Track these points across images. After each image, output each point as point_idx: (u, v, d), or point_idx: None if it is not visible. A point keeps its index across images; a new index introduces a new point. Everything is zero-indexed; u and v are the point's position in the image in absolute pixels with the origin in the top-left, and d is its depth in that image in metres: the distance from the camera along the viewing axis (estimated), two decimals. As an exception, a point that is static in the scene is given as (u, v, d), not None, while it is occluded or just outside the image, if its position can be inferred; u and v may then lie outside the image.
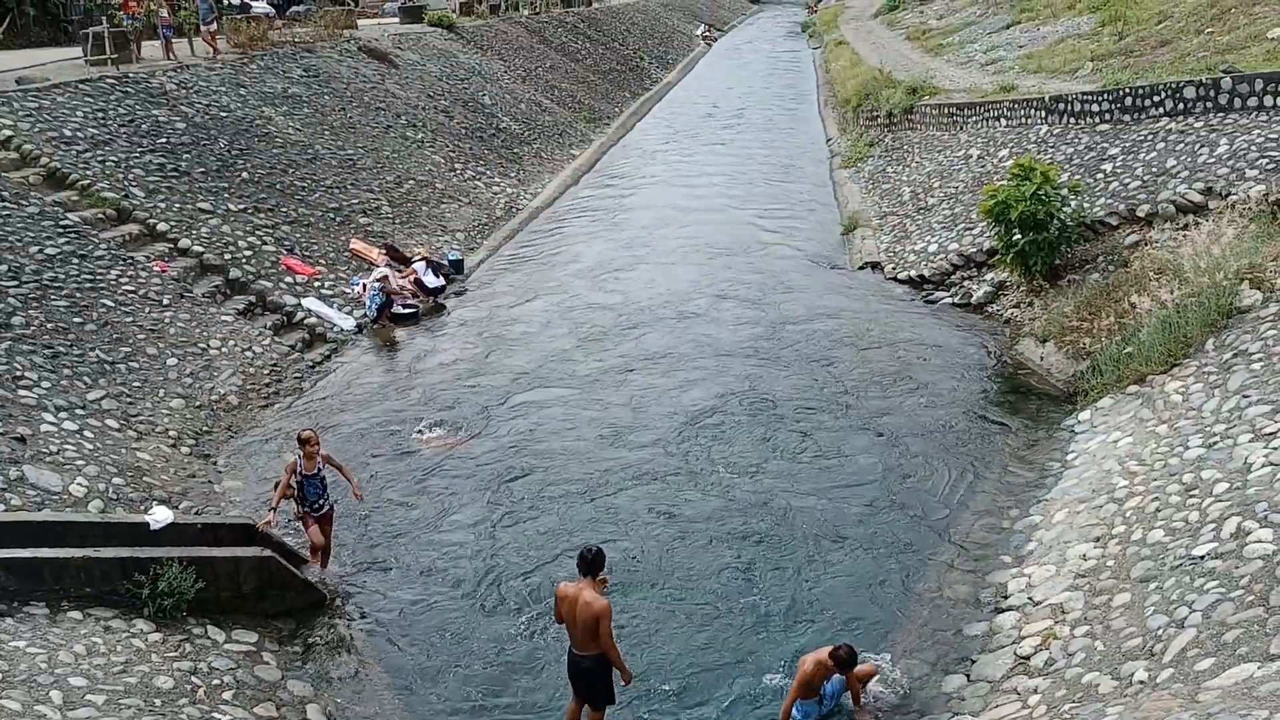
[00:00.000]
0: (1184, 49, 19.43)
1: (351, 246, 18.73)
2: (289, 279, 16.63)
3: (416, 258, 18.34)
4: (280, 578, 8.81)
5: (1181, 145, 15.11)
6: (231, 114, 20.28)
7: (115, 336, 12.80)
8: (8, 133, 15.63)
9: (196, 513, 10.17)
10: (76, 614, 7.89)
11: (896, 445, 12.00)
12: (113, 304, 13.33)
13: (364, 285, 17.21)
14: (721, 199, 25.33)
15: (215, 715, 7.26)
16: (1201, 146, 14.70)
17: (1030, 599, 8.41)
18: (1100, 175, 15.96)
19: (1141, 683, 6.44)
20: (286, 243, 17.53)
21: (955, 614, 8.74)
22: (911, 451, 11.81)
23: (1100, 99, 17.63)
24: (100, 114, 17.61)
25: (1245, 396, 9.48)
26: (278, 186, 18.92)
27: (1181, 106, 15.81)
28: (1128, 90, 17.00)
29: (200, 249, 15.67)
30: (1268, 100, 14.46)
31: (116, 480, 10.24)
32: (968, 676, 7.84)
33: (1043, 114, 19.24)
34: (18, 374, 11.09)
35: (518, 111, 31.58)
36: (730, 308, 17.20)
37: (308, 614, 8.97)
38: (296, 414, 13.14)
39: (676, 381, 14.11)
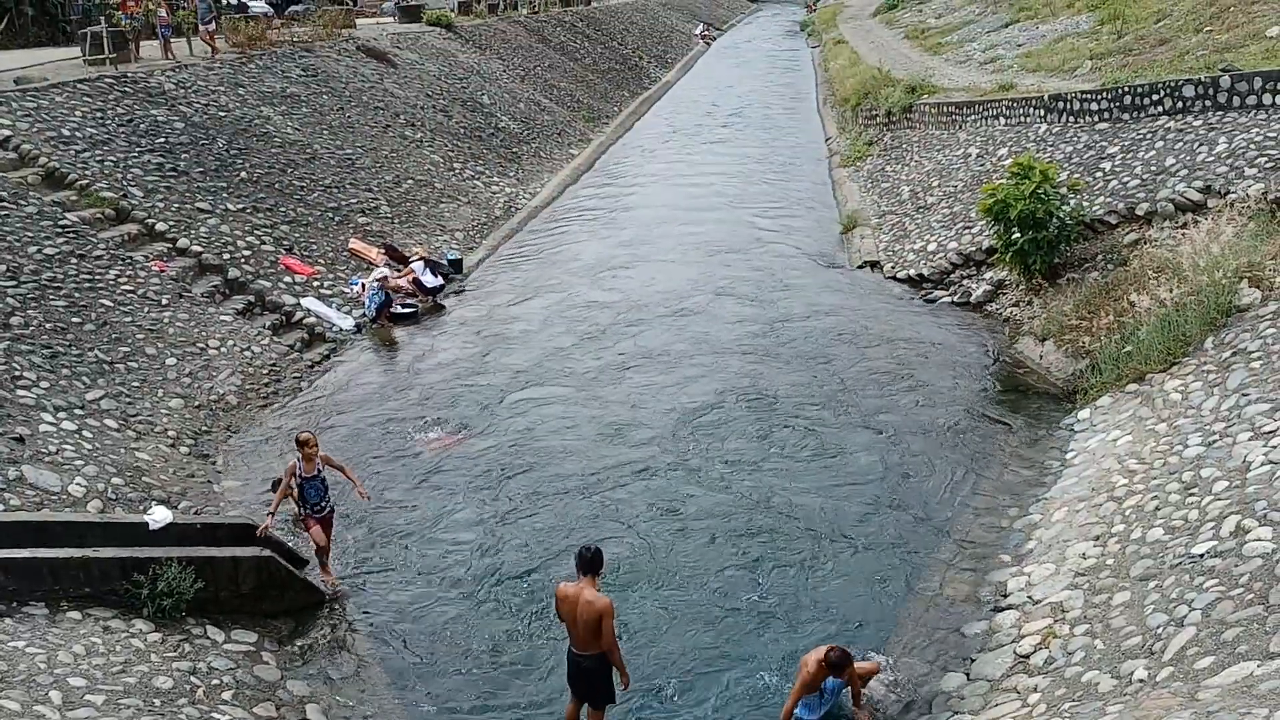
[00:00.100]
0: (1183, 47, 19.42)
1: (350, 246, 18.73)
2: (288, 279, 16.62)
3: (415, 257, 18.33)
4: (279, 578, 8.81)
5: (1180, 144, 15.11)
6: (230, 114, 20.27)
7: (114, 336, 12.79)
8: (6, 132, 15.62)
9: (195, 513, 10.17)
10: (76, 614, 7.89)
11: (895, 444, 12.00)
12: (111, 304, 13.32)
13: (363, 285, 17.20)
14: (720, 198, 25.32)
15: (214, 715, 7.25)
16: (1200, 145, 14.70)
17: (1030, 597, 8.41)
18: (1099, 174, 15.96)
19: (1141, 681, 6.44)
20: (285, 242, 17.53)
21: (955, 612, 8.74)
22: (911, 450, 11.81)
23: (1099, 97, 17.62)
24: (99, 114, 17.60)
25: (1244, 395, 9.48)
26: (276, 186, 18.91)
27: (1180, 105, 15.81)
28: (1127, 89, 17.00)
29: (199, 249, 15.66)
30: (1266, 98, 14.46)
31: (115, 480, 10.24)
32: (967, 675, 7.84)
33: (1042, 113, 19.24)
34: (16, 374, 11.08)
35: (516, 111, 31.57)
36: (729, 306, 17.20)
37: (307, 614, 8.97)
38: (295, 414, 13.14)
39: (675, 379, 14.11)
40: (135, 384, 12.27)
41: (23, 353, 11.47)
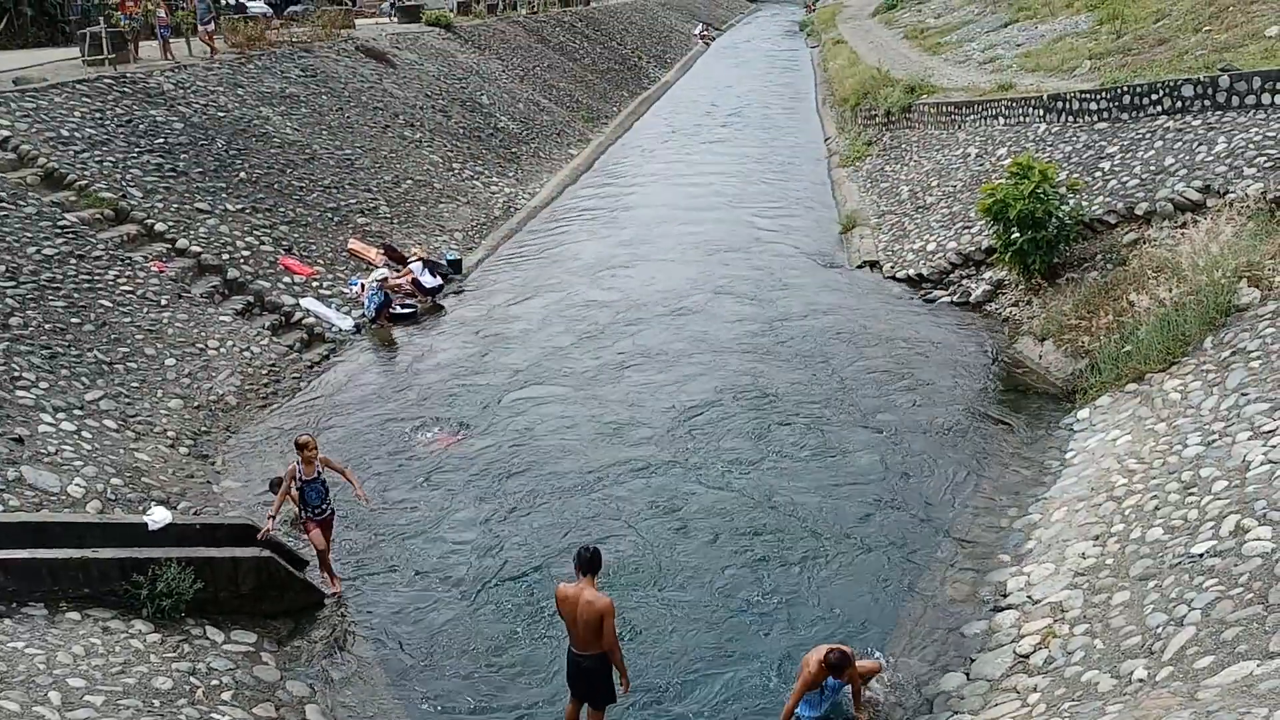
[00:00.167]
0: (1182, 47, 19.43)
1: (349, 246, 18.72)
2: (287, 279, 16.61)
3: (413, 258, 18.32)
4: (279, 578, 8.80)
5: (1180, 143, 15.12)
6: (229, 114, 20.26)
7: (113, 337, 12.79)
8: (5, 133, 15.62)
9: (195, 513, 10.16)
10: (75, 615, 7.89)
11: (895, 443, 12.00)
12: (111, 304, 13.31)
13: (362, 285, 17.20)
14: (720, 198, 25.33)
15: (214, 716, 7.25)
16: (1199, 144, 14.70)
17: (1029, 597, 8.41)
18: (1098, 173, 15.96)
19: (1141, 681, 6.44)
20: (284, 243, 17.52)
21: (954, 612, 8.74)
22: (910, 450, 11.81)
23: (1098, 97, 17.63)
24: (98, 114, 17.59)
25: (1244, 395, 9.48)
26: (275, 186, 18.90)
27: (1179, 104, 15.81)
28: (1126, 88, 17.00)
29: (198, 249, 15.66)
30: (1265, 98, 14.46)
31: (115, 481, 10.23)
32: (967, 675, 7.84)
33: (1041, 112, 19.24)
34: (16, 374, 11.08)
35: (516, 111, 31.57)
36: (728, 305, 17.20)
37: (307, 614, 8.96)
38: (295, 414, 13.14)
39: (674, 378, 14.11)
40: (134, 384, 12.27)
41: (22, 353, 11.47)
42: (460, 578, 9.69)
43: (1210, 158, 14.22)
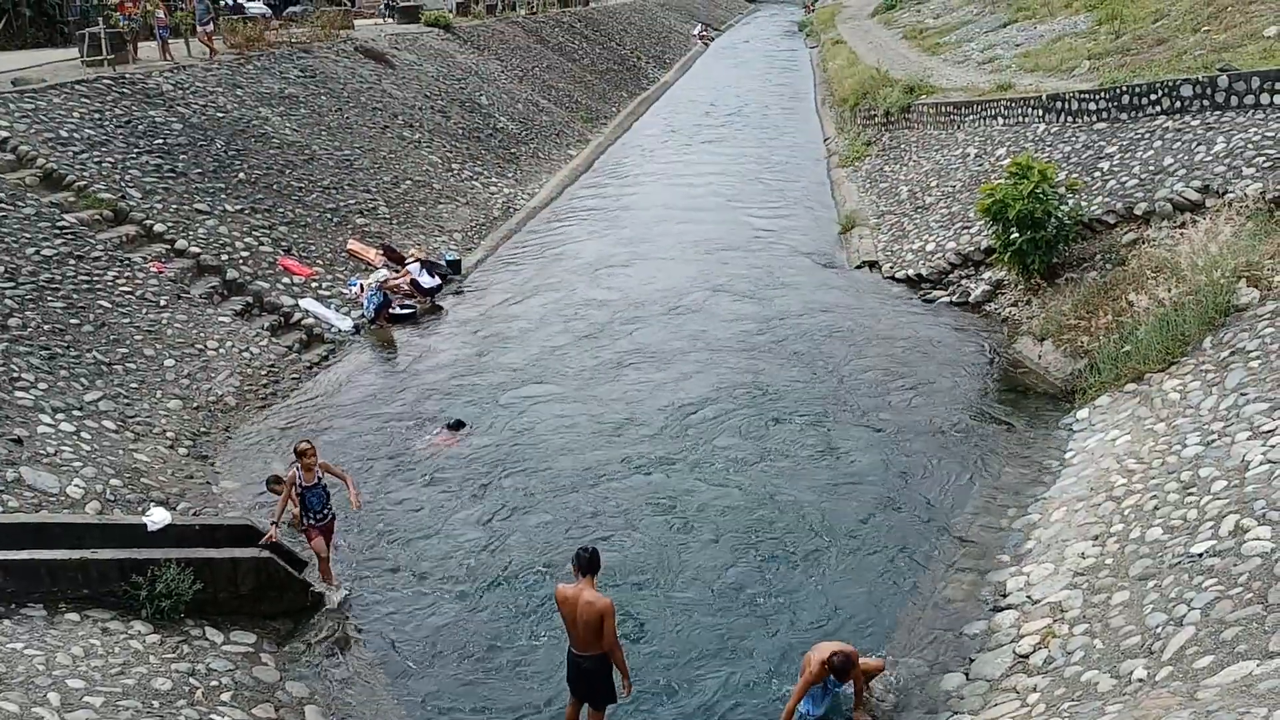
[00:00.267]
0: (1180, 47, 19.44)
1: (349, 247, 18.71)
2: (286, 280, 16.61)
3: (411, 259, 18.31)
4: (278, 579, 8.79)
5: (1179, 143, 15.12)
6: (228, 115, 20.26)
7: (112, 338, 12.78)
8: (4, 134, 15.61)
9: (194, 514, 10.16)
10: (74, 616, 7.89)
11: (895, 443, 12.00)
12: (110, 305, 13.30)
13: (361, 286, 17.19)
14: (719, 198, 25.34)
15: (213, 716, 7.25)
16: (1198, 144, 14.71)
17: (1029, 597, 8.41)
18: (1097, 173, 15.96)
19: (1140, 680, 6.44)
20: (284, 243, 17.51)
21: (954, 612, 8.74)
22: (909, 449, 11.82)
23: (1097, 97, 17.63)
24: (97, 115, 17.59)
25: (1243, 394, 9.48)
26: (274, 187, 18.89)
27: (1178, 105, 15.82)
28: (1125, 89, 17.01)
29: (197, 250, 15.65)
30: (1264, 98, 14.46)
31: (114, 481, 10.22)
32: (967, 675, 7.84)
33: (1040, 112, 19.25)
34: (15, 375, 11.07)
35: (515, 111, 31.57)
36: (727, 304, 17.21)
37: (306, 615, 8.94)
38: (294, 415, 13.13)
39: (673, 376, 14.12)
40: (133, 385, 12.26)
41: (21, 354, 11.46)
42: (460, 577, 9.68)
43: (1209, 158, 14.23)
